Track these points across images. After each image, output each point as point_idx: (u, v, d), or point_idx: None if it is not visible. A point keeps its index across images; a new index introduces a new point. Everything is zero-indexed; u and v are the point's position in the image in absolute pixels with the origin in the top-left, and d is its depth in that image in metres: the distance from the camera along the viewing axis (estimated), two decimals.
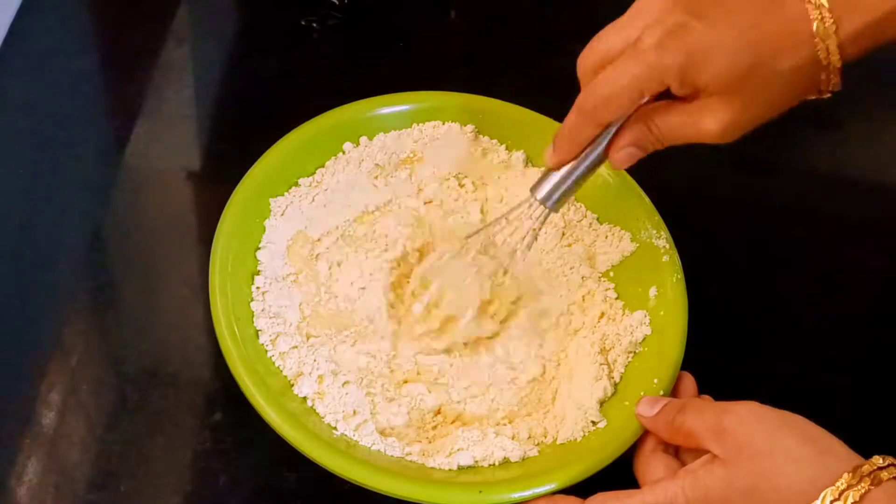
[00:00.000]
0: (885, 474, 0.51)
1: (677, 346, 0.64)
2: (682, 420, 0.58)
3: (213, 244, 0.64)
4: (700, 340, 0.65)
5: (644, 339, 0.66)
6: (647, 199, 0.70)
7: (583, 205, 0.73)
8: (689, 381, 0.63)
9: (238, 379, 0.59)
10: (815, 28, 0.53)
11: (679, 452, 0.59)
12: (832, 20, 0.52)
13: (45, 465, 0.62)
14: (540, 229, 0.65)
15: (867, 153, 0.85)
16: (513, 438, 0.63)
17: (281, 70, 0.84)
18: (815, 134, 0.85)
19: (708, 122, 0.55)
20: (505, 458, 0.62)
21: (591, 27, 0.90)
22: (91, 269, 0.72)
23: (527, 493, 0.58)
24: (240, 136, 0.78)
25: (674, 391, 0.63)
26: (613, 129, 0.59)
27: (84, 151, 0.77)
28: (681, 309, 0.66)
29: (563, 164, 0.61)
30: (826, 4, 0.52)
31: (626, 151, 0.59)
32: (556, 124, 0.73)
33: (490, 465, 0.61)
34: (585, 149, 0.60)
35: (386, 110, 0.73)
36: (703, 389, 0.63)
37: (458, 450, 0.61)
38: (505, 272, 0.67)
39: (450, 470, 0.60)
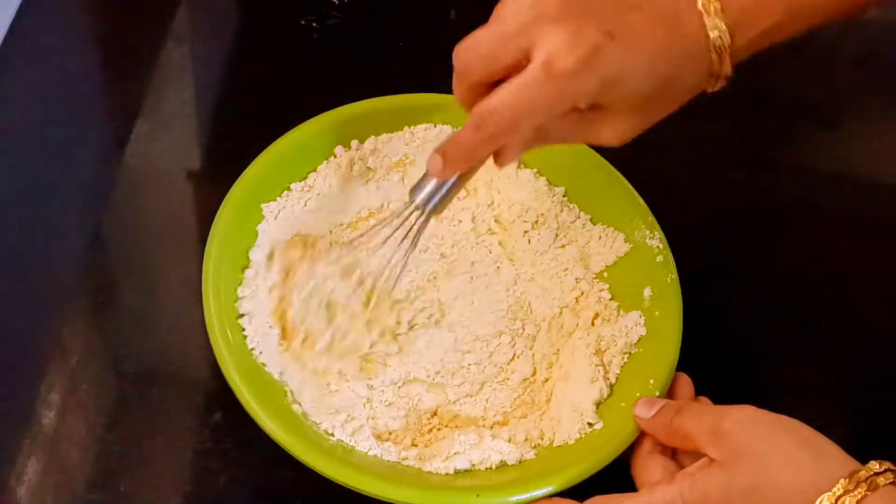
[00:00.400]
0: (881, 479, 0.51)
1: (672, 346, 0.64)
2: (679, 422, 0.58)
3: (206, 250, 0.64)
4: (695, 340, 0.65)
5: (639, 339, 0.66)
6: (640, 200, 0.70)
7: (576, 205, 0.73)
8: (685, 382, 0.63)
9: (233, 387, 0.60)
10: (712, 44, 0.53)
11: (676, 454, 0.59)
12: (728, 35, 0.53)
13: (45, 464, 0.63)
14: (419, 235, 0.62)
15: (866, 152, 0.85)
16: (509, 441, 0.63)
17: (280, 70, 0.84)
18: (813, 132, 0.85)
19: (605, 133, 0.56)
20: (502, 461, 0.62)
21: None
22: (91, 269, 0.72)
23: (524, 497, 0.58)
24: (239, 135, 0.78)
25: (670, 392, 0.63)
26: None
27: (84, 151, 0.77)
28: (675, 309, 0.66)
29: (453, 176, 0.58)
30: (722, 24, 0.53)
31: (511, 153, 0.57)
32: None
33: (487, 468, 0.61)
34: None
35: (378, 112, 0.73)
36: (699, 390, 0.63)
37: (455, 453, 0.62)
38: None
39: (447, 474, 0.61)
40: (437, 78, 0.80)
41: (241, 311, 0.64)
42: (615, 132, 0.56)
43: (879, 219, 0.80)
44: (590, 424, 0.63)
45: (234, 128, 0.80)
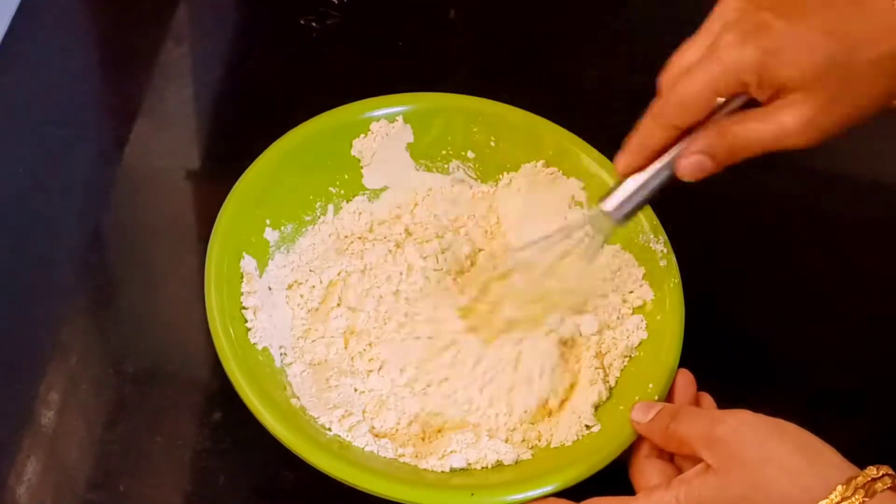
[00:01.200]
0: (879, 485, 0.50)
1: (673, 350, 0.64)
2: (675, 427, 0.57)
3: (209, 247, 0.64)
4: (695, 340, 0.65)
5: (640, 343, 0.66)
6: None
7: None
8: (687, 379, 0.63)
9: (232, 379, 0.60)
10: None
11: (675, 458, 0.59)
12: None
13: (44, 464, 0.63)
14: (604, 242, 0.63)
15: (866, 151, 0.85)
16: (506, 441, 0.63)
17: (280, 69, 0.84)
18: None
19: (787, 122, 0.53)
20: (498, 461, 0.62)
21: (591, 27, 0.91)
22: (90, 268, 0.72)
23: (519, 497, 0.58)
24: (239, 135, 0.78)
25: (672, 389, 0.63)
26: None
27: (83, 151, 0.78)
28: (677, 314, 0.65)
29: (633, 170, 0.58)
30: None
31: (694, 159, 0.56)
32: (554, 126, 0.73)
33: (483, 467, 0.61)
34: (658, 156, 0.57)
35: (382, 111, 0.73)
36: (702, 388, 0.63)
37: (452, 452, 0.61)
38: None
39: (442, 472, 0.61)
40: (436, 77, 0.80)
41: (244, 305, 0.64)
42: (798, 121, 0.53)
43: (880, 218, 0.80)
44: (588, 427, 0.63)
45: (234, 127, 0.80)
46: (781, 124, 0.53)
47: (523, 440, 0.63)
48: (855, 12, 0.52)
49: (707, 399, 0.62)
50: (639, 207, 0.60)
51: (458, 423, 0.64)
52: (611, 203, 0.59)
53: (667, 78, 0.57)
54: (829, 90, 0.52)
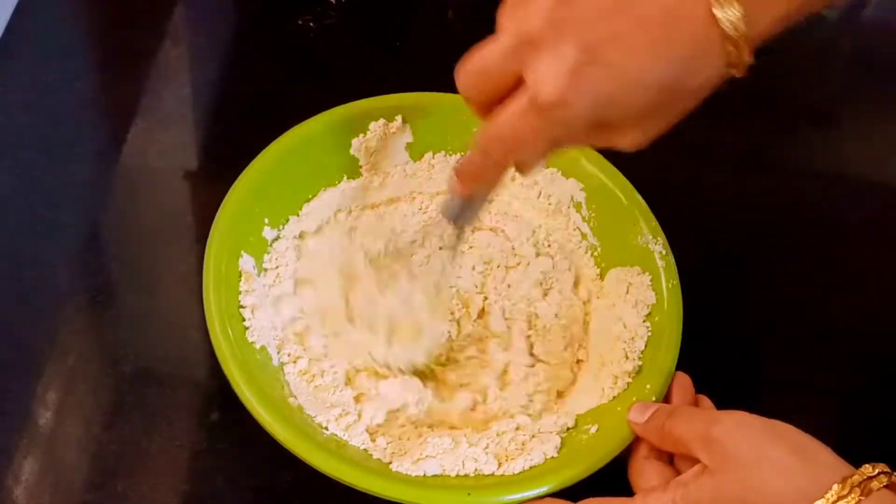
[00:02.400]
0: (875, 483, 0.50)
1: (671, 352, 0.64)
2: (671, 426, 0.58)
3: (207, 246, 0.64)
4: (695, 340, 0.65)
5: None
6: (643, 203, 0.70)
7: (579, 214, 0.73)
8: (684, 381, 0.63)
9: (231, 378, 0.60)
10: (726, 35, 0.48)
11: (675, 459, 0.59)
12: (744, 23, 0.48)
13: (42, 464, 0.62)
14: (457, 249, 0.65)
15: (865, 151, 0.85)
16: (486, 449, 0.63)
17: (277, 69, 0.84)
18: (811, 132, 0.85)
19: (620, 142, 0.52)
20: (476, 469, 0.61)
21: None
22: (88, 268, 0.72)
23: (516, 497, 0.58)
24: (237, 135, 0.78)
25: (670, 390, 0.63)
26: None
27: (81, 151, 0.77)
28: (675, 315, 0.65)
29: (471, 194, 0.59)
30: (736, 11, 0.47)
31: (529, 166, 0.55)
32: None
33: (458, 474, 0.61)
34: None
35: (381, 111, 0.72)
36: (699, 391, 0.63)
37: (427, 457, 0.61)
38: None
39: (416, 476, 0.60)
40: (434, 77, 0.80)
41: (242, 303, 0.64)
42: (630, 141, 0.52)
43: (879, 218, 0.81)
44: (568, 428, 0.63)
45: (231, 127, 0.80)
46: (613, 144, 0.53)
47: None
48: (675, 35, 0.48)
49: (705, 401, 0.62)
50: (476, 213, 0.62)
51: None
52: (451, 213, 0.61)
53: (474, 88, 0.52)
54: (660, 115, 0.51)
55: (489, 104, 0.52)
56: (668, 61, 0.48)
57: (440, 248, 0.66)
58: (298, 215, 0.71)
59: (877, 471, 0.51)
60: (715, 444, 0.54)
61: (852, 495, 0.50)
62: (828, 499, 0.50)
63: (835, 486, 0.50)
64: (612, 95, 0.48)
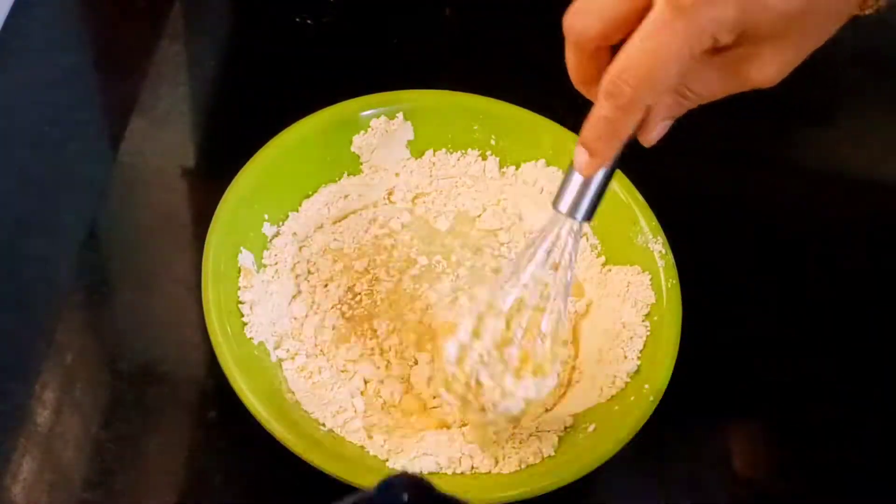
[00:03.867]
0: None
1: (670, 352, 0.64)
2: None
3: (207, 241, 0.64)
4: (694, 340, 0.65)
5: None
6: (643, 202, 0.70)
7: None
8: None
9: (228, 375, 0.60)
10: None
11: None
12: None
13: (40, 463, 0.62)
14: (576, 248, 0.56)
15: (864, 150, 0.85)
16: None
17: (275, 67, 0.84)
18: (811, 131, 0.85)
19: (759, 73, 0.48)
20: (473, 467, 0.61)
21: None
22: (86, 267, 0.72)
23: (513, 495, 0.58)
24: (235, 133, 0.78)
25: None
26: None
27: (78, 149, 0.77)
28: (674, 315, 0.65)
29: (603, 167, 0.52)
30: None
31: (659, 128, 0.50)
32: (554, 125, 0.73)
33: (454, 473, 0.61)
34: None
35: (383, 108, 0.73)
36: (699, 390, 0.63)
37: (424, 454, 0.61)
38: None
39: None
40: (433, 74, 0.80)
41: (241, 299, 0.64)
42: (768, 69, 0.48)
43: (879, 217, 0.80)
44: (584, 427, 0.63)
45: (230, 125, 0.80)
46: (749, 75, 0.48)
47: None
48: None
49: None
50: (602, 196, 0.54)
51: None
52: (568, 204, 0.53)
53: (587, 28, 0.48)
54: (799, 34, 0.48)
55: (602, 53, 0.48)
56: None
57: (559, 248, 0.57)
58: (298, 211, 0.71)
59: None
60: None
61: None
62: None
63: None
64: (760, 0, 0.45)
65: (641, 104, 0.48)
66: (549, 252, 0.56)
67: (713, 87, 0.49)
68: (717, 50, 0.47)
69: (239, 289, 0.64)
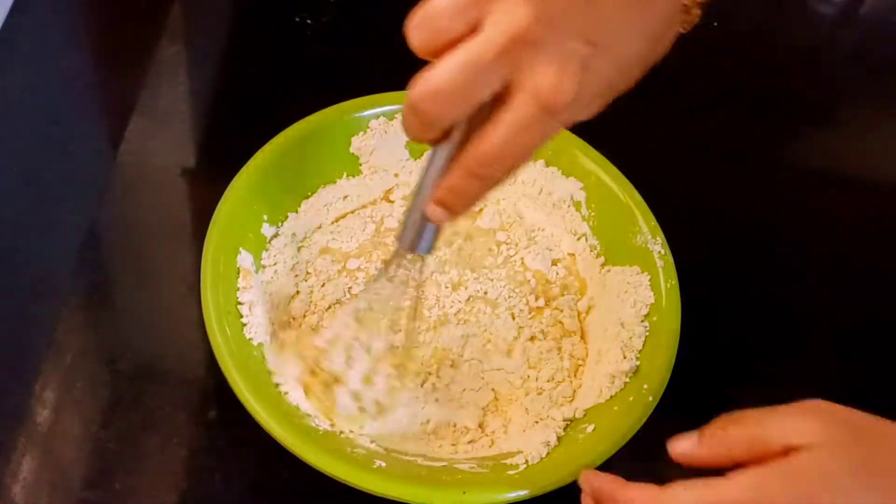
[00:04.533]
0: None
1: (669, 351, 0.64)
2: (737, 430, 0.51)
3: (206, 242, 0.64)
4: (693, 340, 0.65)
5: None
6: (642, 202, 0.70)
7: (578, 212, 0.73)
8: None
9: (227, 375, 0.60)
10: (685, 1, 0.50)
11: None
12: None
13: (40, 462, 0.62)
14: (421, 278, 0.61)
15: (863, 149, 0.86)
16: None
17: (275, 67, 0.84)
18: (810, 130, 0.85)
19: (581, 116, 0.49)
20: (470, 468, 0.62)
21: None
22: (85, 266, 0.72)
23: (510, 495, 0.58)
24: (234, 132, 0.78)
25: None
26: None
27: (78, 149, 0.77)
28: (674, 315, 0.66)
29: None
30: None
31: (437, 209, 0.52)
32: None
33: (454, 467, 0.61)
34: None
35: (382, 109, 0.73)
36: (698, 390, 0.63)
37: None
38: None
39: (430, 466, 0.61)
40: None
41: (240, 300, 0.64)
42: (593, 112, 0.50)
43: (879, 216, 0.81)
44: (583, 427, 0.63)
45: (229, 125, 0.80)
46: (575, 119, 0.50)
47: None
48: (649, 8, 0.48)
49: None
50: (439, 237, 0.56)
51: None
52: (411, 242, 0.55)
53: (429, 45, 0.50)
54: (627, 84, 0.50)
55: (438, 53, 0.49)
56: (648, 36, 0.48)
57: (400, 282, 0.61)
58: (297, 212, 0.71)
59: None
60: (819, 413, 0.50)
61: None
62: None
63: None
64: (613, 79, 0.48)
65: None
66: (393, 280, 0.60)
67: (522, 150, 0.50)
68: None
69: (238, 289, 0.64)
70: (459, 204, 0.52)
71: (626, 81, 0.49)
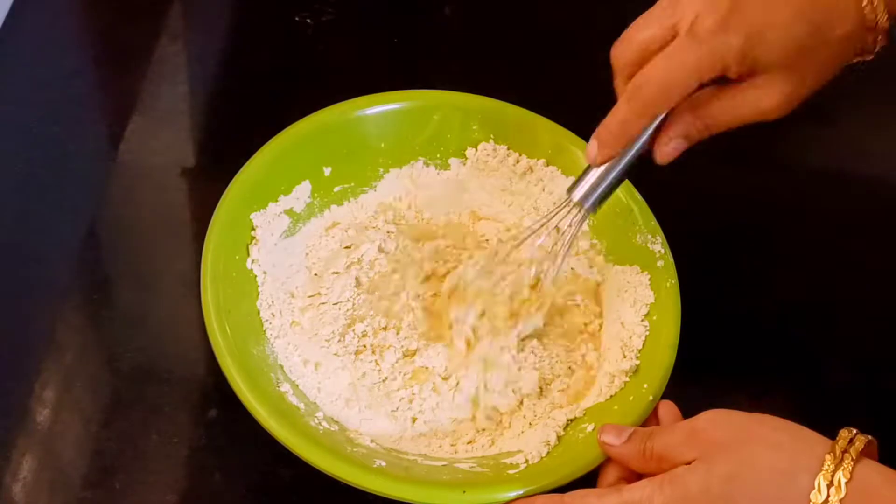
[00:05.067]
0: (857, 444, 0.50)
1: (669, 351, 0.64)
2: (651, 445, 0.55)
3: (206, 241, 0.64)
4: (693, 340, 0.65)
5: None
6: (642, 201, 0.70)
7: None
8: (670, 409, 0.61)
9: (227, 374, 0.60)
10: None
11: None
12: None
13: (40, 462, 0.62)
14: (577, 234, 0.64)
15: (863, 149, 0.85)
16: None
17: (275, 66, 0.84)
18: (809, 130, 0.85)
19: (766, 100, 0.56)
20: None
21: (587, 24, 0.91)
22: (85, 265, 0.72)
23: (510, 494, 0.58)
24: (234, 132, 0.78)
25: (656, 415, 0.62)
26: (657, 122, 0.58)
27: (78, 148, 0.77)
28: (673, 314, 0.65)
29: (609, 160, 0.59)
30: None
31: (673, 145, 0.58)
32: (552, 124, 0.73)
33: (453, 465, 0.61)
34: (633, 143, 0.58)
35: (380, 108, 0.73)
36: (698, 390, 0.63)
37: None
38: (534, 285, 0.66)
39: (430, 466, 0.61)
40: (432, 74, 0.80)
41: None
42: (777, 98, 0.56)
43: (879, 216, 0.80)
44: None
45: (229, 124, 0.80)
46: (759, 103, 0.56)
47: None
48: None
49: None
50: (608, 195, 0.61)
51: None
52: (580, 193, 0.61)
53: (624, 56, 0.57)
54: (804, 67, 0.56)
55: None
56: (812, 15, 0.54)
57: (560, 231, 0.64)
58: None
59: (853, 433, 0.51)
60: (701, 434, 0.53)
61: (846, 462, 0.49)
62: (826, 470, 0.49)
63: (827, 457, 0.49)
64: (765, 29, 0.54)
65: (654, 110, 0.56)
66: (549, 234, 0.64)
67: (724, 112, 0.57)
68: (729, 81, 0.56)
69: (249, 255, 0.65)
70: (609, 132, 0.57)
71: (784, 43, 0.54)
